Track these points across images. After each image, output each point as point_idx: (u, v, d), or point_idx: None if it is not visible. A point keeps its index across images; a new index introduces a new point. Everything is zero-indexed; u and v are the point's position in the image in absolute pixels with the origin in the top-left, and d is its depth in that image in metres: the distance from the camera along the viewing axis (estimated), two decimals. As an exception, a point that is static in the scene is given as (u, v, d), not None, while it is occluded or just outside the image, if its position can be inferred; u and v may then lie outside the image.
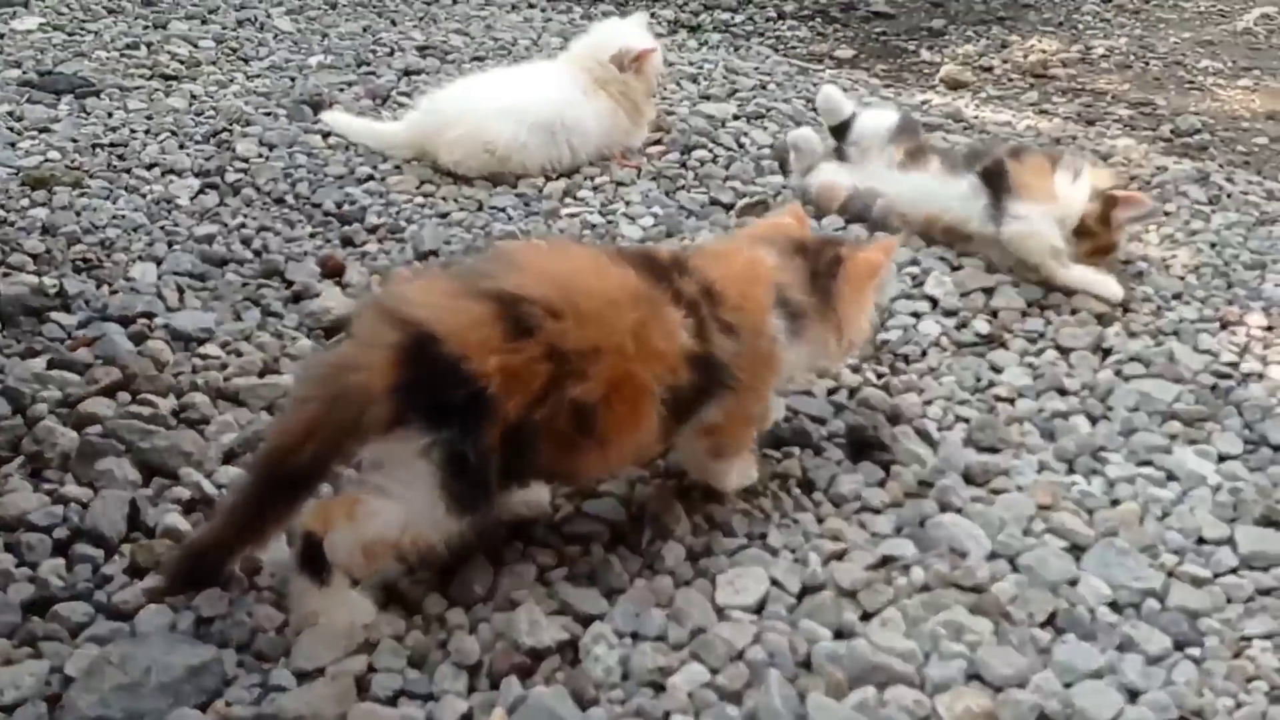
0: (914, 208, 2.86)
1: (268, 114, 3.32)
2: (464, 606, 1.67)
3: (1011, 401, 2.28)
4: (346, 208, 2.84)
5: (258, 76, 3.65)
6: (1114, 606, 1.77)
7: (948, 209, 2.80)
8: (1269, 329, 2.60)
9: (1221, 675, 1.65)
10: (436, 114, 3.05)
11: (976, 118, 3.95)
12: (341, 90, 3.56)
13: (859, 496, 1.96)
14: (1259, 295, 2.75)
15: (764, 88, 4.02)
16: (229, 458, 1.95)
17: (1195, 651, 1.69)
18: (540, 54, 4.16)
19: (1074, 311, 2.60)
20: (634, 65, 3.15)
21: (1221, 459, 2.15)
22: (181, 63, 3.69)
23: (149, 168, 2.95)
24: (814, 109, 3.77)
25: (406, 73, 3.80)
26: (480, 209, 2.91)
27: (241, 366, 2.17)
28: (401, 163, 3.08)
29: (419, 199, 2.93)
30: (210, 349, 2.24)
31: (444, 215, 2.86)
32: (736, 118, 3.64)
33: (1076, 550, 1.88)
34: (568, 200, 3.00)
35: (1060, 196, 2.69)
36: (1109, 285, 2.66)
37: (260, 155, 3.06)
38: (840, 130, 3.10)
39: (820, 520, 1.90)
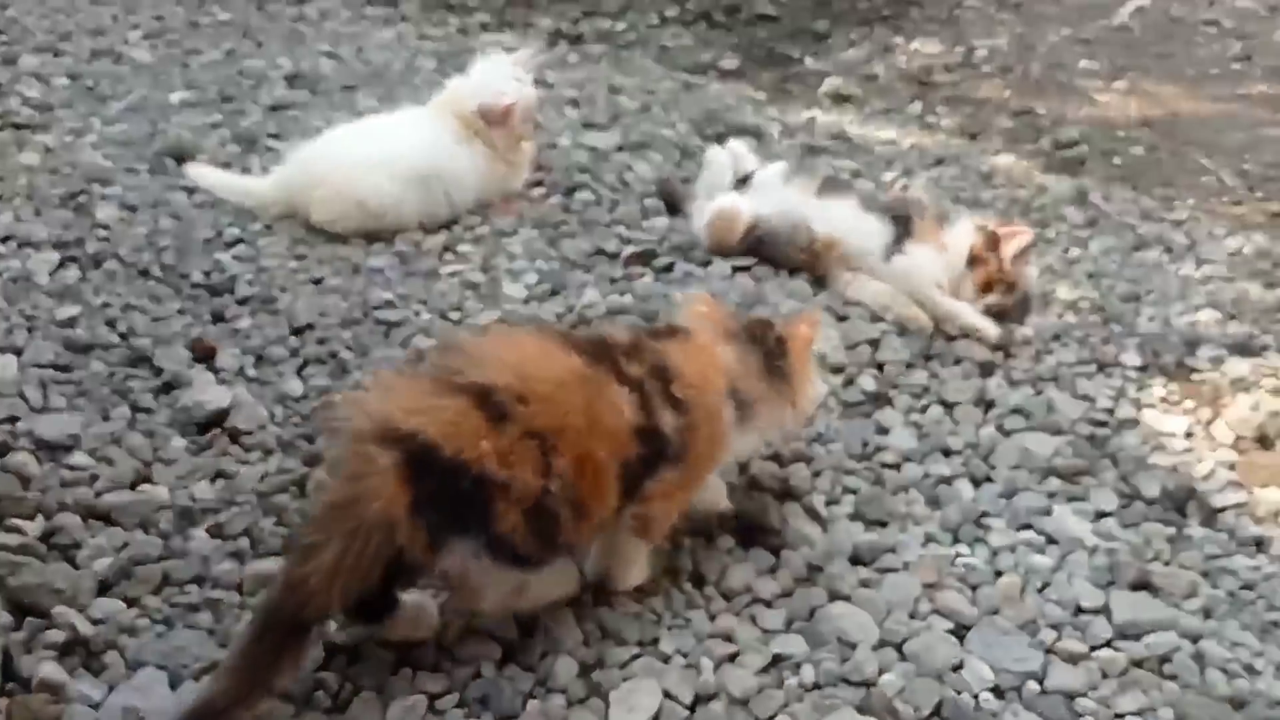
0: (824, 229, 2.90)
1: (129, 169, 3.16)
2: (352, 750, 1.63)
3: (898, 467, 2.30)
4: (215, 277, 2.73)
5: (116, 121, 3.47)
6: (996, 691, 1.80)
7: (854, 240, 2.87)
8: (1143, 369, 2.68)
9: (1099, 760, 1.70)
10: (305, 170, 2.93)
11: (862, 136, 3.97)
12: (206, 135, 3.41)
13: (749, 588, 1.96)
14: (1134, 331, 2.83)
15: (647, 110, 3.98)
16: (103, 589, 1.86)
17: (1073, 735, 1.74)
18: (415, 77, 4.06)
19: (957, 361, 2.64)
20: (499, 120, 3.06)
21: (1099, 516, 2.22)
22: (34, 108, 3.49)
23: (3, 240, 2.78)
24: (700, 133, 3.77)
25: (274, 108, 3.66)
26: (356, 271, 2.82)
27: (112, 478, 2.07)
28: (272, 221, 2.97)
29: (292, 263, 2.83)
30: (78, 457, 2.13)
31: (318, 281, 2.76)
32: (620, 148, 3.60)
33: (961, 630, 1.91)
34: (447, 256, 2.93)
35: (948, 246, 2.80)
36: (984, 322, 2.74)
37: (122, 219, 2.91)
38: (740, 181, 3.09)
39: (712, 618, 1.90)
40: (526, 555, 1.66)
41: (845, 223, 2.89)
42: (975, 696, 1.79)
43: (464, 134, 3.08)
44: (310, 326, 2.59)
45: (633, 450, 1.74)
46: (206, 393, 2.32)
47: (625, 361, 1.79)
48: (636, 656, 1.81)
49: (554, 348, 1.75)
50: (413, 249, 2.93)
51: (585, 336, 1.88)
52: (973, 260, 2.78)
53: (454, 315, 2.67)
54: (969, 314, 2.73)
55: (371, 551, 1.55)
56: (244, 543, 1.98)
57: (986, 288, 2.77)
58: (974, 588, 2.00)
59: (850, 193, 3.00)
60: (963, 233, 2.79)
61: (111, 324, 2.55)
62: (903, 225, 2.84)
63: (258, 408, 2.31)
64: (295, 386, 2.41)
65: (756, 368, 1.98)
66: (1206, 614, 1.97)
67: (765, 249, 2.95)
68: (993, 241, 2.76)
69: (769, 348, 2.02)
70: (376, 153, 2.96)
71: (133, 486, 2.08)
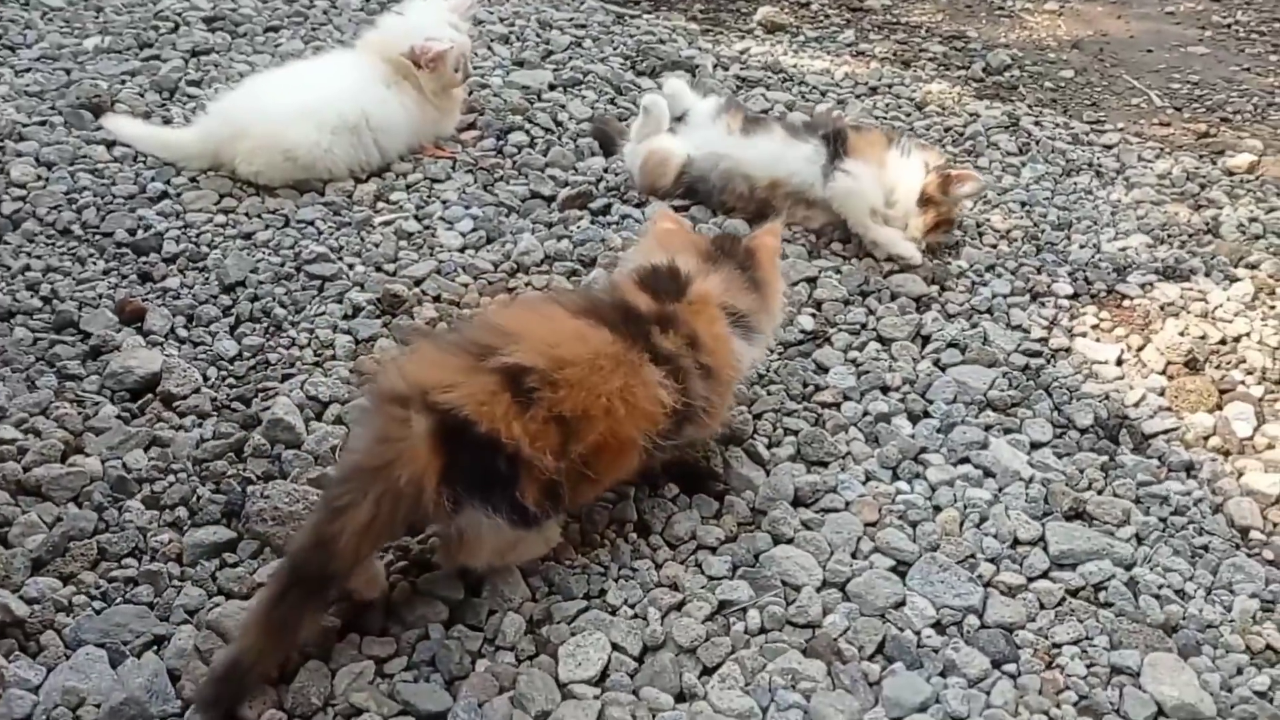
0: (760, 171, 2.88)
1: (43, 122, 3.04)
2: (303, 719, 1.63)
3: (837, 406, 2.32)
4: (141, 235, 2.65)
5: (27, 70, 3.34)
6: (938, 627, 1.85)
7: (794, 172, 2.86)
8: (1074, 297, 2.72)
9: (1035, 690, 1.75)
10: (230, 120, 2.84)
11: (795, 67, 3.93)
12: (123, 83, 3.29)
13: (694, 535, 1.98)
14: (1065, 259, 2.86)
15: (580, 44, 3.91)
16: (37, 567, 1.83)
17: (1011, 668, 1.79)
18: (340, 16, 3.94)
19: (894, 296, 2.66)
20: (430, 65, 2.98)
21: (1034, 447, 2.26)
22: (-62, 59, 3.35)
23: (-86, 203, 2.69)
24: (633, 68, 3.71)
25: (194, 53, 3.53)
26: (287, 224, 2.76)
27: (41, 451, 2.02)
28: (198, 174, 2.88)
29: (219, 218, 2.76)
30: (5, 430, 2.08)
31: (248, 236, 2.70)
32: (553, 87, 3.54)
33: (902, 567, 1.95)
34: (380, 206, 2.87)
35: (888, 165, 2.80)
36: (909, 249, 2.77)
37: (39, 178, 2.81)
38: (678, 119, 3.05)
39: (658, 567, 1.92)
40: (538, 516, 1.71)
41: (775, 160, 2.88)
42: (917, 633, 1.83)
43: (394, 78, 3.00)
44: (241, 284, 2.54)
45: (665, 424, 1.80)
46: (136, 357, 2.27)
47: (659, 335, 1.83)
48: (584, 610, 1.82)
49: (587, 325, 1.78)
50: (344, 199, 2.87)
51: (615, 304, 1.88)
52: (925, 201, 2.79)
53: (389, 267, 2.63)
54: (897, 242, 2.77)
55: (402, 513, 1.62)
56: (181, 512, 1.96)
57: (934, 228, 2.80)
58: (914, 525, 2.04)
59: (773, 125, 2.96)
60: (913, 169, 2.79)
61: (33, 288, 2.48)
62: (837, 142, 2.82)
63: (191, 371, 2.27)
64: (229, 347, 2.36)
65: (738, 283, 2.03)
66: (1139, 540, 2.03)
67: (699, 191, 2.93)
68: (945, 184, 2.77)
69: (740, 261, 2.07)
70: (303, 100, 2.88)
71: (63, 459, 2.04)
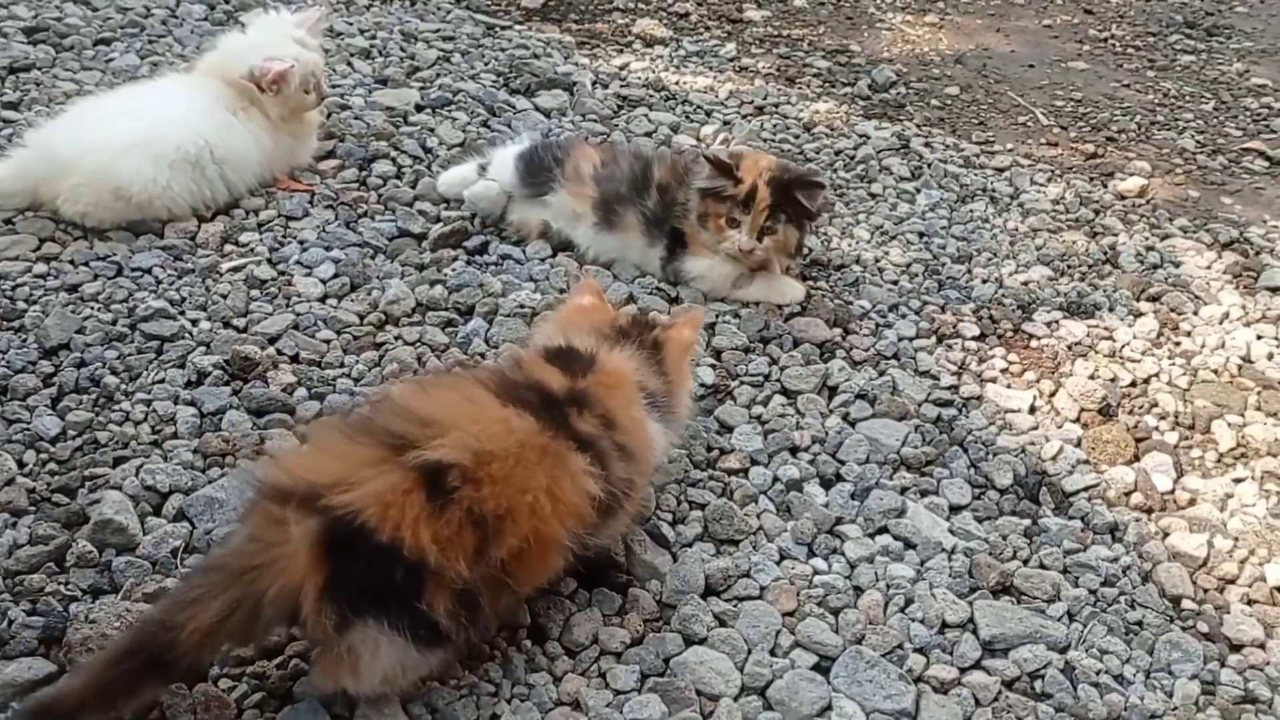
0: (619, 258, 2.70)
1: None
2: None
3: (744, 472, 2.14)
4: (-57, 290, 2.30)
5: None
6: (869, 735, 1.67)
7: (652, 267, 2.68)
8: (981, 338, 2.59)
9: (979, 804, 1.59)
10: (51, 154, 2.49)
11: (678, 84, 3.74)
12: (-73, 105, 2.90)
13: (596, 639, 1.76)
14: (969, 295, 2.74)
15: (448, 59, 3.64)
16: None
17: (952, 780, 1.62)
18: (180, 27, 3.58)
19: (796, 344, 2.48)
20: (273, 88, 2.69)
21: (953, 510, 2.11)
22: None
23: None
24: (507, 85, 3.48)
25: (12, 70, 3.14)
26: (119, 274, 2.43)
27: None
28: (13, 216, 2.53)
29: (39, 267, 2.41)
30: None
31: (74, 289, 2.36)
32: (420, 108, 3.27)
33: (826, 662, 1.77)
34: (228, 249, 2.56)
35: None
36: (790, 290, 2.63)
37: None
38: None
39: (557, 680, 1.70)
40: (447, 635, 1.49)
41: (636, 255, 2.68)
42: (847, 742, 1.65)
43: (239, 103, 2.69)
44: (65, 347, 2.21)
45: (589, 516, 1.61)
46: (-65, 447, 1.93)
47: (576, 417, 1.64)
48: (473, 742, 1.59)
49: (513, 412, 1.58)
50: (186, 242, 2.55)
51: (528, 384, 1.67)
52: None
53: (239, 323, 2.34)
54: (772, 292, 2.62)
55: (262, 624, 1.47)
56: (-10, 640, 1.65)
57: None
58: (835, 612, 1.86)
59: (629, 217, 2.64)
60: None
61: None
62: (675, 243, 2.61)
63: (4, 457, 1.94)
64: (50, 425, 2.04)
65: (652, 369, 1.89)
66: (1071, 617, 1.90)
67: None
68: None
69: (649, 349, 1.91)
70: (136, 130, 2.54)
71: None
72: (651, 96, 3.60)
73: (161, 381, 2.16)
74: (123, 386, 2.14)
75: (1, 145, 2.77)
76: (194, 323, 2.32)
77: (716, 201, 2.53)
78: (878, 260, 2.85)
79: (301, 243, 2.60)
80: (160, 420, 2.08)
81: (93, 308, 2.32)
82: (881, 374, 2.42)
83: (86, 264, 2.44)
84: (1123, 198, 3.33)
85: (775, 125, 3.53)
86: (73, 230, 2.53)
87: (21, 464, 1.96)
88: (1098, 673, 1.80)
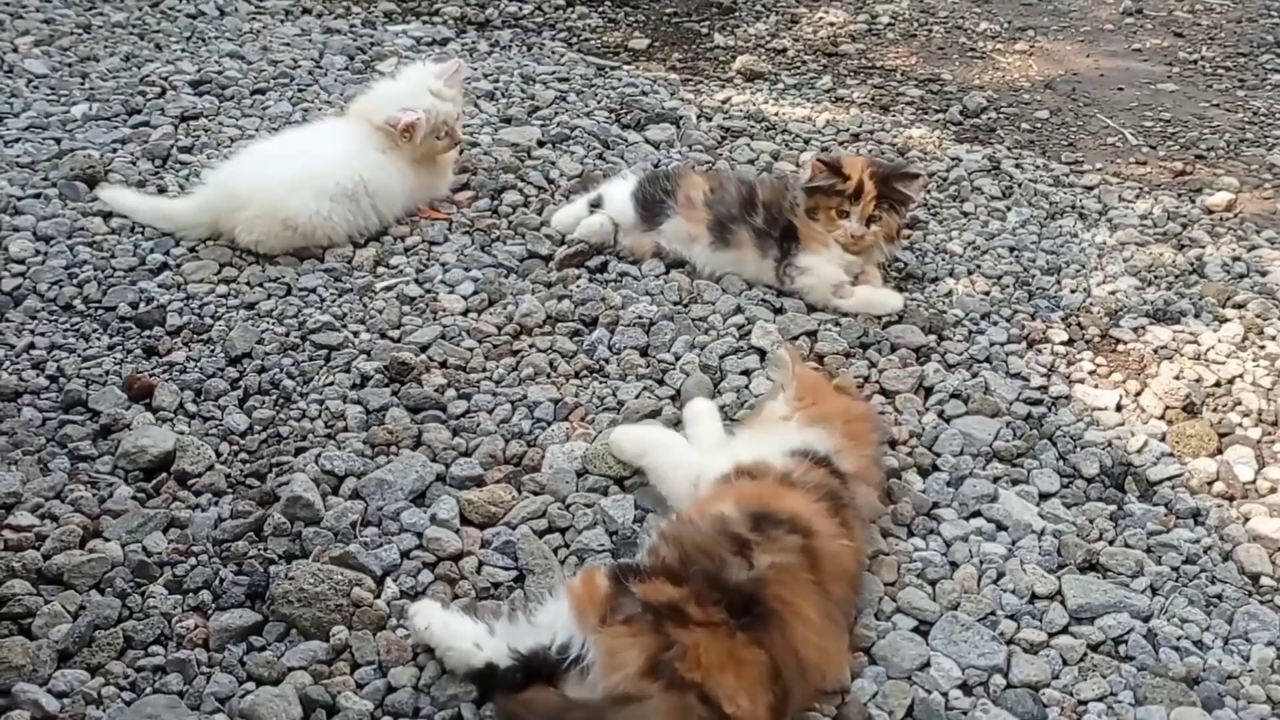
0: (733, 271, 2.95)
1: (37, 195, 3.03)
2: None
3: (849, 462, 2.35)
4: (144, 308, 2.65)
5: (16, 141, 3.32)
6: (965, 688, 1.87)
7: (760, 275, 2.93)
8: (1070, 343, 2.77)
9: (1066, 749, 1.78)
10: (228, 190, 2.84)
11: (777, 115, 3.99)
12: (115, 151, 3.29)
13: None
14: (1058, 304, 2.91)
15: (564, 99, 3.95)
16: (64, 659, 1.82)
17: (1041, 727, 1.81)
18: (325, 77, 3.95)
19: (894, 348, 2.69)
20: (405, 136, 3.00)
21: (1043, 497, 2.29)
22: (-75, 131, 3.33)
23: (-88, 282, 2.67)
24: (618, 121, 3.76)
25: (184, 118, 3.53)
26: (289, 293, 2.76)
27: (60, 538, 2.01)
28: (197, 244, 2.88)
29: (221, 288, 2.76)
30: (22, 516, 2.06)
31: (251, 306, 2.70)
32: (541, 143, 3.56)
33: (925, 627, 1.97)
34: (381, 271, 2.88)
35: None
36: (889, 300, 2.83)
37: (38, 253, 2.80)
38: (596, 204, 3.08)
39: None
40: None
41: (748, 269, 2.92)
42: (945, 695, 1.85)
43: (387, 143, 3.01)
44: (248, 355, 2.54)
45: None
46: (149, 435, 2.26)
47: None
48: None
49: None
50: (344, 265, 2.88)
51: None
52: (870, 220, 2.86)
53: (394, 334, 2.64)
54: (871, 302, 2.84)
55: None
56: (205, 595, 1.95)
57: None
58: (933, 583, 2.06)
59: (742, 234, 2.89)
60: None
61: (39, 366, 2.47)
62: (788, 237, 2.85)
63: (203, 447, 2.26)
64: (239, 421, 2.36)
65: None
66: (1154, 591, 2.07)
67: None
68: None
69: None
70: (302, 169, 2.88)
71: (82, 544, 2.03)
72: (752, 127, 3.86)
73: (331, 384, 2.46)
74: (299, 389, 2.46)
75: (181, 183, 3.15)
76: (355, 334, 2.63)
77: (827, 197, 2.82)
78: (970, 273, 3.04)
79: (444, 264, 2.91)
80: (333, 416, 2.38)
81: (269, 322, 2.65)
82: (974, 375, 2.62)
83: (261, 285, 2.78)
84: (1210, 212, 3.46)
85: (870, 151, 3.75)
86: (248, 256, 2.87)
87: (218, 453, 2.28)
88: (1178, 639, 1.97)
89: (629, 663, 1.64)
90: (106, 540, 2.04)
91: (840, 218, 2.83)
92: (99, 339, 2.57)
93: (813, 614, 1.77)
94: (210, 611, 1.92)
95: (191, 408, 2.40)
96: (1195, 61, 4.74)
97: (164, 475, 2.20)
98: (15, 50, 3.98)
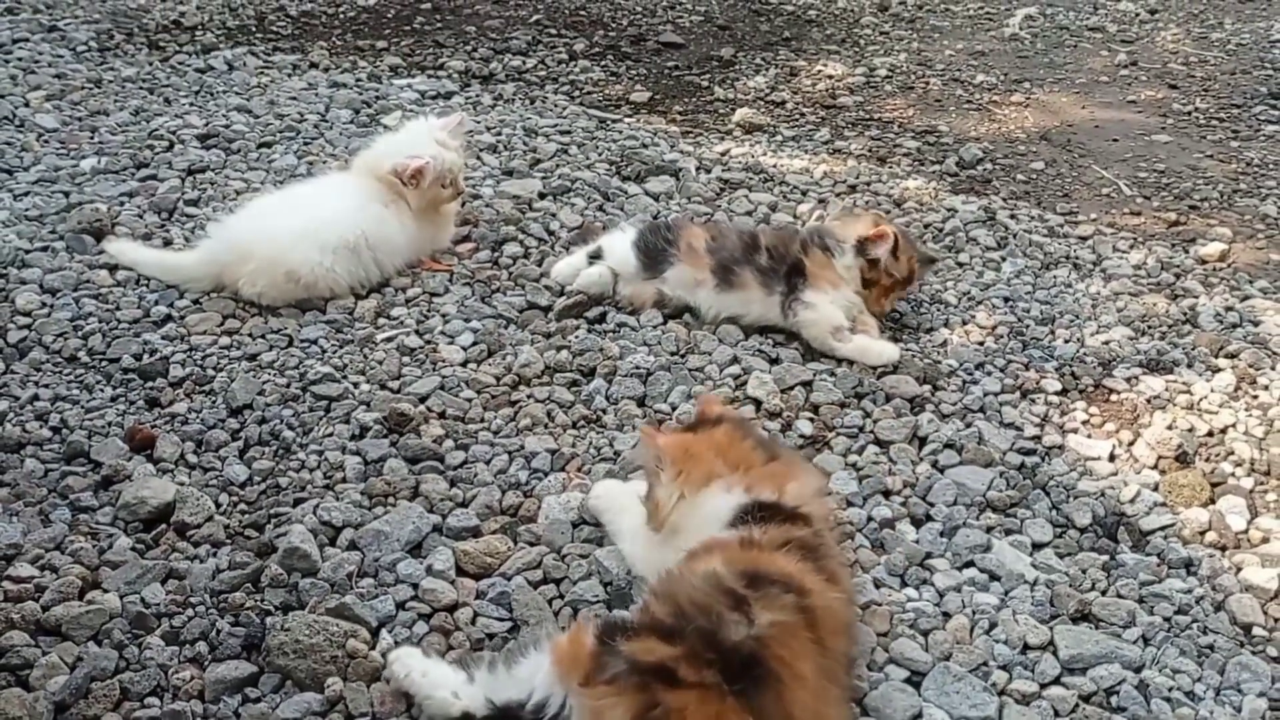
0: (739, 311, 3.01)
1: (44, 248, 3.09)
2: None
3: (842, 511, 2.37)
4: (147, 360, 2.69)
5: (26, 194, 3.39)
6: (957, 739, 1.88)
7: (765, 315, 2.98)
8: (1064, 393, 2.79)
9: (1060, 801, 1.78)
10: (232, 243, 2.90)
11: (775, 166, 4.04)
12: (122, 204, 3.35)
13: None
14: (1052, 354, 2.94)
15: (566, 151, 4.01)
16: (60, 710, 1.83)
17: (1033, 779, 1.81)
18: (330, 130, 4.02)
19: (888, 399, 2.72)
20: (412, 182, 3.06)
21: (1035, 547, 2.31)
22: (-65, 185, 3.40)
23: (-84, 334, 2.71)
24: (619, 173, 3.81)
25: (190, 172, 3.60)
26: (290, 344, 2.80)
27: (60, 589, 2.03)
28: (200, 297, 2.93)
29: (224, 339, 2.80)
30: (22, 568, 2.09)
31: (253, 357, 2.74)
32: (543, 195, 3.62)
33: (916, 678, 1.98)
34: (381, 322, 2.92)
35: (842, 281, 2.93)
36: (885, 351, 2.86)
37: (44, 305, 2.85)
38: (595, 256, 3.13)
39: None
40: None
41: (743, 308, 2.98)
42: (936, 746, 1.86)
43: (388, 196, 3.07)
44: (249, 406, 2.57)
45: None
46: (149, 486, 2.29)
47: None
48: None
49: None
50: (346, 317, 2.92)
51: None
52: (867, 283, 2.99)
53: (393, 385, 2.67)
54: (868, 351, 2.86)
55: None
56: (202, 647, 1.97)
57: (884, 295, 3.02)
58: (925, 633, 2.07)
59: (746, 275, 2.96)
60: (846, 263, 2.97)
61: (42, 418, 2.51)
62: (796, 276, 2.91)
63: (203, 499, 2.29)
64: (239, 472, 2.39)
65: None
66: (1145, 641, 2.07)
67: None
68: (862, 249, 2.97)
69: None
70: (304, 223, 2.93)
71: (81, 595, 2.05)
72: (751, 179, 3.91)
73: (331, 435, 2.49)
74: (298, 439, 2.49)
75: (187, 236, 3.20)
76: (355, 385, 2.66)
77: (877, 271, 2.96)
78: (965, 323, 3.08)
79: (444, 315, 2.95)
80: (331, 467, 2.41)
81: (270, 373, 2.68)
82: (968, 425, 2.64)
83: (263, 336, 2.82)
84: (1204, 262, 3.50)
85: (867, 202, 3.80)
86: (250, 308, 2.91)
87: (218, 504, 2.30)
88: (1170, 689, 1.97)
89: None
90: (105, 591, 2.06)
91: (885, 298, 3.00)
92: (102, 390, 2.61)
93: (810, 675, 1.73)
94: (206, 663, 1.94)
95: (192, 459, 2.43)
96: (1189, 113, 4.81)
97: (163, 526, 2.23)
98: (27, 105, 4.07)
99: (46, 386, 2.60)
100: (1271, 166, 4.27)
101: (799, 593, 1.81)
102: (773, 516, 1.96)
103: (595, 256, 3.09)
